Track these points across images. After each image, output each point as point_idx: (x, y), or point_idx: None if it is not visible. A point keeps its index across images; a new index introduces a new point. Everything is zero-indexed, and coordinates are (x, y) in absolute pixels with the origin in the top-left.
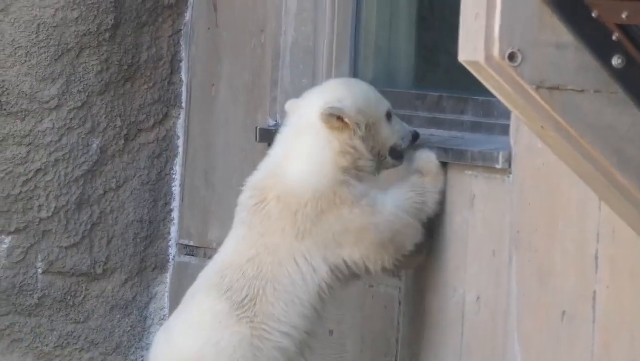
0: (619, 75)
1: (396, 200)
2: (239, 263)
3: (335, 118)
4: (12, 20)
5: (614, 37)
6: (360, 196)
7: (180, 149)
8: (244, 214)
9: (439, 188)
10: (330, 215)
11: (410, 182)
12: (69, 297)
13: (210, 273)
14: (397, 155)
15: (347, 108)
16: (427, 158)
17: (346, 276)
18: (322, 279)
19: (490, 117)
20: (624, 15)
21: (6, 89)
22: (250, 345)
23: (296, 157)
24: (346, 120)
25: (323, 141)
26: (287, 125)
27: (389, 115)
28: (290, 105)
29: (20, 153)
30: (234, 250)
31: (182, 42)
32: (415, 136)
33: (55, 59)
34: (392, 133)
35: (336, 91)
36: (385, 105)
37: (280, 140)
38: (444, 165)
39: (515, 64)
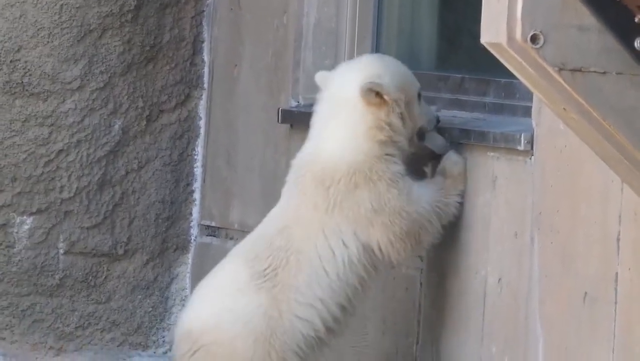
0: None
1: (427, 196)
2: (269, 234)
3: (374, 94)
4: (35, 2)
5: (636, 20)
6: (399, 176)
7: (202, 130)
8: (284, 190)
9: (460, 191)
10: (365, 190)
11: (436, 181)
12: (90, 278)
13: (243, 242)
14: (422, 136)
15: (386, 85)
16: (452, 161)
17: (373, 259)
18: (353, 254)
19: (513, 98)
20: None
21: (29, 70)
22: (264, 314)
23: (331, 133)
24: (385, 96)
25: (358, 116)
26: (321, 100)
27: (419, 96)
28: (321, 78)
29: (42, 134)
30: (268, 221)
31: (204, 23)
32: (438, 120)
33: (78, 40)
34: (421, 114)
35: (374, 67)
36: (417, 84)
37: (316, 117)
38: (465, 146)
39: (538, 46)
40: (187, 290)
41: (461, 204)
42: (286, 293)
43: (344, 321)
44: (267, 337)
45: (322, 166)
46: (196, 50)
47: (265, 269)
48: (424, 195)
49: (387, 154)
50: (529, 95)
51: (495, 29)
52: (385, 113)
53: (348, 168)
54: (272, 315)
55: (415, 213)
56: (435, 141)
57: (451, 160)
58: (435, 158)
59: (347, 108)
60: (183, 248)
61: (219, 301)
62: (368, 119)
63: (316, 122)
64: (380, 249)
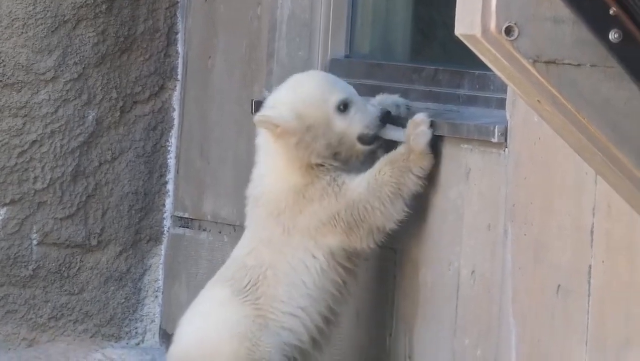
0: (616, 50)
1: (369, 183)
2: (239, 256)
3: (270, 125)
4: None
5: (611, 12)
6: (327, 185)
7: (176, 121)
8: (247, 218)
9: (423, 168)
10: (306, 213)
11: (393, 160)
12: (63, 269)
13: (217, 273)
14: (366, 140)
15: (281, 116)
16: (419, 135)
17: (345, 258)
18: (324, 263)
19: (487, 90)
20: None
21: (2, 60)
22: (253, 322)
23: (266, 166)
24: (279, 129)
25: (273, 148)
26: (258, 130)
27: (343, 107)
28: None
29: (16, 124)
30: (238, 248)
31: (178, 15)
32: (385, 117)
33: (52, 31)
34: (349, 125)
35: (280, 94)
36: (334, 98)
37: (257, 146)
38: (438, 138)
39: (512, 38)
40: (160, 282)
41: (422, 179)
42: (270, 303)
43: (328, 332)
44: (252, 339)
45: (268, 197)
46: (170, 42)
47: (246, 285)
48: (358, 185)
49: (314, 176)
50: (503, 87)
51: (470, 20)
52: (287, 142)
53: (287, 198)
54: (260, 323)
55: (346, 209)
56: (393, 133)
57: (418, 132)
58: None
59: (265, 141)
60: (156, 239)
61: (204, 323)
62: (280, 151)
63: (258, 145)
64: (343, 249)
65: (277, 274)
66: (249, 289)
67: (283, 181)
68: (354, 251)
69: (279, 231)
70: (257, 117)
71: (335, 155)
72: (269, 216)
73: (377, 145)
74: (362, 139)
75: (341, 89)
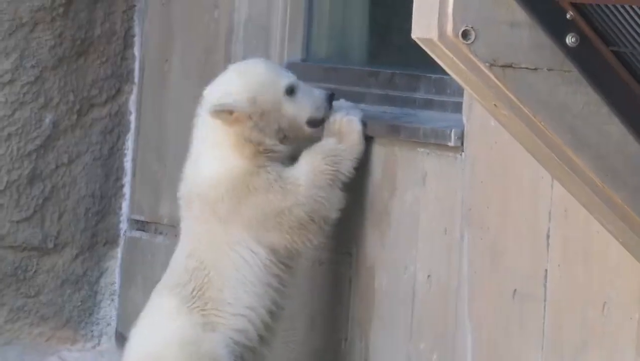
0: (573, 54)
1: (309, 177)
2: (180, 261)
3: (226, 113)
4: None
5: (568, 16)
6: (273, 180)
7: (133, 125)
8: (181, 223)
9: (356, 156)
10: (248, 204)
11: (325, 148)
12: (20, 272)
13: (163, 277)
14: (315, 123)
15: (236, 102)
16: (348, 124)
17: (286, 257)
18: (265, 258)
19: (443, 94)
20: None
21: None
22: (203, 331)
23: (204, 155)
24: (235, 114)
25: (221, 136)
26: (197, 117)
27: (290, 91)
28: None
29: None
30: (177, 252)
31: (135, 18)
32: (331, 98)
33: (9, 34)
34: (299, 109)
35: (227, 83)
36: (283, 82)
37: (193, 140)
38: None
39: (469, 42)
40: (116, 285)
41: (356, 168)
42: (218, 307)
43: (274, 327)
44: (200, 345)
45: (203, 188)
46: (127, 45)
47: (192, 291)
48: (302, 179)
49: (259, 166)
50: (459, 91)
51: (427, 24)
52: (242, 129)
53: (227, 187)
54: (210, 329)
55: (298, 205)
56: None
57: (344, 123)
58: None
59: (211, 129)
60: (112, 242)
61: (154, 336)
62: (230, 138)
63: (194, 141)
64: (286, 247)
65: (220, 275)
66: (196, 295)
67: (225, 169)
68: (296, 251)
69: (215, 224)
70: (213, 107)
71: (282, 140)
72: (204, 208)
73: (320, 130)
74: (310, 122)
75: (287, 74)
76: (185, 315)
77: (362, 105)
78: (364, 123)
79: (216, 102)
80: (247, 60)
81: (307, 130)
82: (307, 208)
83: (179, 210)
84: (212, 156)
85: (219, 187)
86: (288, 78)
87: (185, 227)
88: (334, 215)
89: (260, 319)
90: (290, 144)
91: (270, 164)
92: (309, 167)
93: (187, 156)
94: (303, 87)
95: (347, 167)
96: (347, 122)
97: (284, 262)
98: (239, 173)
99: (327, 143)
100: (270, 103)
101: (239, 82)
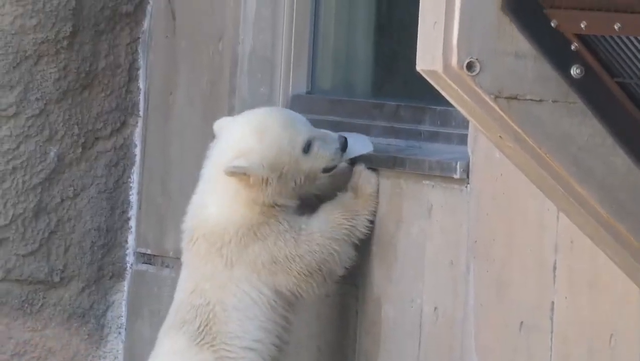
0: (577, 86)
1: (324, 228)
2: (185, 298)
3: (241, 175)
4: None
5: (572, 47)
6: (284, 231)
7: (138, 157)
8: (183, 256)
9: (371, 211)
10: (256, 247)
11: (342, 204)
12: (26, 305)
13: (168, 316)
14: (329, 169)
15: (253, 165)
16: (365, 180)
17: (290, 298)
18: (270, 298)
19: (448, 126)
20: (582, 25)
21: None
22: None
23: (212, 198)
24: (251, 179)
25: (235, 190)
26: (210, 157)
27: (307, 148)
28: (218, 126)
29: None
30: (180, 288)
31: (140, 50)
32: (344, 146)
33: (14, 67)
34: (314, 162)
35: (245, 141)
36: (300, 141)
37: (202, 177)
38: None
39: (474, 74)
40: (123, 318)
41: (372, 222)
42: (226, 341)
43: (283, 359)
44: None
45: (210, 229)
46: (132, 77)
47: (198, 327)
48: (317, 230)
49: (269, 217)
50: (464, 123)
51: (431, 56)
52: (256, 191)
53: (236, 231)
54: None
55: (310, 254)
56: (356, 149)
57: (362, 179)
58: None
59: (223, 180)
60: (119, 275)
61: None
62: (243, 194)
63: (201, 182)
64: (290, 291)
65: (226, 309)
66: (203, 330)
67: (233, 216)
68: (299, 295)
69: (220, 264)
70: (228, 168)
71: (295, 191)
72: (209, 248)
73: (332, 173)
74: (326, 170)
75: (303, 128)
76: (196, 354)
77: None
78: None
79: (231, 163)
80: (261, 111)
81: (322, 176)
82: (318, 258)
83: (181, 242)
84: (221, 200)
85: (226, 232)
86: (304, 134)
87: (188, 261)
88: (340, 271)
89: (269, 353)
90: (303, 194)
91: (279, 215)
92: (326, 219)
93: (195, 190)
94: (317, 138)
95: (363, 222)
96: (364, 179)
97: (290, 302)
98: (248, 222)
99: (345, 197)
100: (287, 165)
101: (256, 144)
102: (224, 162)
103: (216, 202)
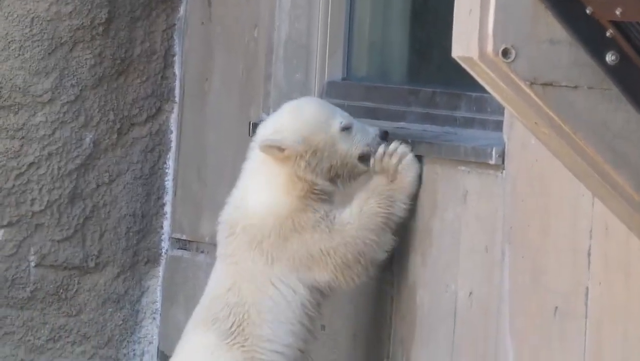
0: (613, 72)
1: (358, 218)
2: (220, 294)
3: (275, 149)
4: (6, 14)
5: (608, 34)
6: (320, 219)
7: (173, 143)
8: (220, 248)
9: (409, 195)
10: (294, 241)
11: (378, 191)
12: (61, 291)
13: (198, 308)
14: (367, 159)
15: (286, 139)
16: (407, 166)
17: (326, 293)
18: (304, 297)
19: (484, 113)
20: (617, 12)
21: (0, 82)
22: None
23: (253, 190)
24: (286, 152)
25: (273, 173)
26: (251, 150)
27: (346, 128)
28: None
29: (13, 147)
30: (215, 283)
31: (175, 37)
32: (384, 135)
33: (49, 53)
34: (352, 145)
35: (280, 120)
36: (337, 121)
37: (243, 171)
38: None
39: (509, 60)
40: (158, 303)
41: (410, 206)
42: (258, 343)
43: None
44: None
45: (250, 222)
46: (167, 64)
47: (230, 327)
48: (352, 220)
49: (307, 204)
50: (500, 109)
51: (467, 43)
52: (293, 166)
53: (274, 223)
54: None
55: (344, 246)
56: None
57: (406, 163)
58: None
59: (262, 163)
60: (154, 261)
61: None
62: (281, 174)
63: (242, 175)
64: (329, 286)
65: (261, 312)
66: (235, 330)
67: (274, 204)
68: (338, 288)
69: (261, 262)
70: (263, 142)
71: (334, 178)
72: (250, 242)
73: (369, 166)
74: (363, 158)
75: (340, 112)
76: (226, 352)
77: (403, 124)
78: (419, 160)
79: (266, 137)
80: (302, 98)
81: (360, 166)
82: (353, 249)
83: (218, 235)
84: (261, 191)
85: (266, 223)
86: (342, 116)
87: (226, 255)
88: (382, 256)
89: (294, 357)
90: (341, 183)
91: (316, 203)
92: (361, 209)
93: (236, 184)
94: (357, 124)
95: (400, 208)
96: (406, 163)
97: (320, 300)
98: (287, 210)
99: (380, 183)
100: (323, 141)
101: (292, 120)
102: (260, 139)
103: (256, 192)
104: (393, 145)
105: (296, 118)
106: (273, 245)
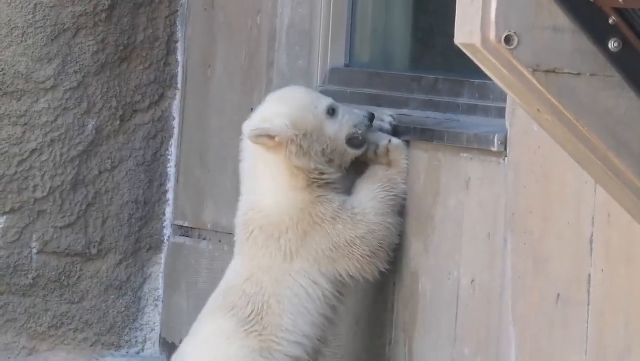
0: (615, 59)
1: (373, 204)
2: (238, 284)
3: (265, 137)
4: (9, 1)
5: (610, 21)
6: (338, 209)
7: (176, 130)
8: (237, 247)
9: (405, 177)
10: (315, 235)
11: (379, 176)
12: (63, 277)
13: (214, 296)
14: (356, 143)
15: (275, 125)
16: (396, 148)
17: (348, 284)
18: (326, 290)
19: (486, 99)
20: None
21: (2, 69)
22: (260, 356)
23: (262, 187)
24: (276, 138)
25: (271, 168)
26: (243, 152)
27: (331, 111)
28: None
29: (15, 133)
30: (232, 274)
31: (178, 23)
32: (371, 117)
33: (52, 39)
34: (340, 127)
35: (266, 110)
36: (323, 103)
37: (242, 173)
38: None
39: (512, 47)
40: (160, 290)
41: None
42: (276, 333)
43: (321, 352)
44: None
45: (266, 220)
46: (170, 50)
47: (249, 315)
48: (369, 207)
49: (319, 195)
50: (502, 96)
51: (469, 29)
52: (285, 154)
53: (290, 219)
54: (267, 357)
55: (370, 233)
56: (378, 137)
57: (395, 149)
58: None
59: (258, 159)
60: (156, 248)
61: (211, 354)
62: (279, 168)
63: (244, 173)
64: (351, 276)
65: (281, 302)
66: (253, 318)
67: (285, 199)
68: (361, 278)
69: (279, 257)
70: (252, 131)
71: (329, 163)
72: (268, 239)
73: (365, 148)
74: (351, 141)
75: (325, 97)
76: (242, 339)
77: (405, 110)
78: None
79: (254, 126)
80: (284, 88)
81: (349, 150)
82: (378, 235)
83: (235, 236)
84: (268, 188)
85: (283, 219)
86: (327, 100)
87: (244, 251)
88: (397, 240)
89: (313, 348)
90: (337, 167)
91: (329, 193)
92: (370, 195)
93: (240, 189)
94: (342, 108)
95: (402, 190)
96: (394, 147)
97: (341, 290)
98: (301, 204)
99: (378, 170)
100: (312, 124)
101: (278, 107)
102: (248, 129)
103: (264, 190)
104: (379, 136)
105: (282, 105)
106: (292, 240)
